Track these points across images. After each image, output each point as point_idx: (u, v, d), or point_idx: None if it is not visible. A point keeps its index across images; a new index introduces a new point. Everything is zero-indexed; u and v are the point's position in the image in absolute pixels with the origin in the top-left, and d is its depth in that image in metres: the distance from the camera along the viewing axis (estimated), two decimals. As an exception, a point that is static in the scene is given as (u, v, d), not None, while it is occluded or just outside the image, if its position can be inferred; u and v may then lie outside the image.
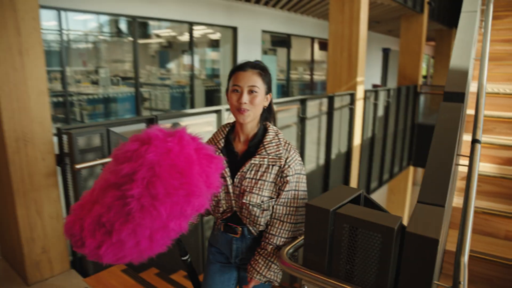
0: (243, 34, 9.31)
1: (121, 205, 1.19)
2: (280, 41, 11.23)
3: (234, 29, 9.18)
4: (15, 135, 2.58)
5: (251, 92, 1.43)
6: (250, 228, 1.50)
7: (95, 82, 7.32)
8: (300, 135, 4.81)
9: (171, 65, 9.49)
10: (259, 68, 1.46)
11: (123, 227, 1.18)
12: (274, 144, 1.46)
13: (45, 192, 2.77)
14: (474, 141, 1.85)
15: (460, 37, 2.42)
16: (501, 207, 2.56)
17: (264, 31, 9.99)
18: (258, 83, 1.44)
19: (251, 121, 1.47)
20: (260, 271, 1.46)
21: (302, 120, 4.77)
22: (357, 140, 6.22)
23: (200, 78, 9.51)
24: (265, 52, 11.09)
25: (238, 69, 1.46)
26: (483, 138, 3.08)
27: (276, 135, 1.49)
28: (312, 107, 5.05)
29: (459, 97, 1.85)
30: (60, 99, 6.19)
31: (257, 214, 1.44)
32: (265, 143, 1.46)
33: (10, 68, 2.49)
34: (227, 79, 1.51)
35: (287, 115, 4.69)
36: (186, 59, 9.00)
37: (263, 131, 1.52)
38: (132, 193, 1.17)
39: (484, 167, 2.88)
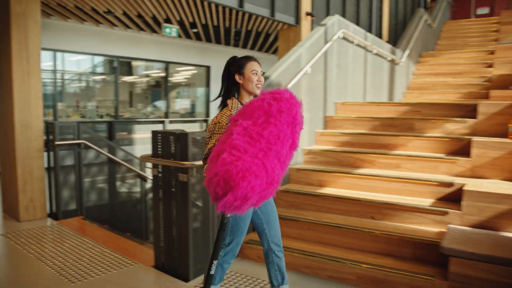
0: (216, 73, 11.74)
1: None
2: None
3: (208, 68, 11.64)
4: (21, 123, 4.82)
5: (262, 74, 2.58)
6: None
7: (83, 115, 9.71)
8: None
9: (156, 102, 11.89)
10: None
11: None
12: None
13: (35, 161, 4.96)
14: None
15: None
16: (319, 167, 4.60)
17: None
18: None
19: None
20: None
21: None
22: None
23: (179, 113, 11.87)
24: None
25: (252, 59, 2.55)
26: (331, 130, 5.18)
27: None
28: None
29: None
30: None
31: None
32: None
33: (21, 82, 4.77)
34: (237, 66, 2.52)
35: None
36: (167, 97, 11.41)
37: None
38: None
39: (326, 146, 4.94)
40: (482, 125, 4.55)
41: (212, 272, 2.43)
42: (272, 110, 2.11)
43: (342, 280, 3.37)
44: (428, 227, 3.61)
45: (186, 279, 3.39)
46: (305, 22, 7.87)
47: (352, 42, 6.06)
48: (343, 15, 9.05)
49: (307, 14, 7.84)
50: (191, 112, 12.33)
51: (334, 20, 5.56)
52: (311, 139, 5.12)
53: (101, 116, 9.73)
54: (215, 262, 2.41)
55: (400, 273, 3.17)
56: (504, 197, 3.34)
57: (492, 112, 4.49)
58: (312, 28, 7.93)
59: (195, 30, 9.89)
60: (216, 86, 11.93)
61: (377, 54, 7.09)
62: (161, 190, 3.51)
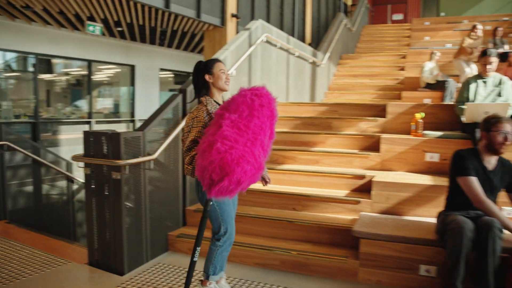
0: (140, 72, 11.78)
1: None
2: (183, 80, 13.82)
3: (132, 67, 11.65)
4: None
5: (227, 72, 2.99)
6: None
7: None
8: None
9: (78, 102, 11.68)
10: None
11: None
12: None
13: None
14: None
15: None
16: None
17: (162, 69, 12.55)
18: None
19: None
20: None
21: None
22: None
23: (102, 113, 11.76)
24: (170, 90, 13.59)
25: (218, 61, 2.93)
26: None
27: None
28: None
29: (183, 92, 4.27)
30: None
31: None
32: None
33: None
34: (204, 68, 2.88)
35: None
36: (90, 96, 11.27)
37: None
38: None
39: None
40: (390, 123, 5.18)
41: (195, 259, 2.73)
42: (255, 104, 2.48)
43: (267, 266, 3.76)
44: (343, 215, 4.10)
45: (121, 273, 3.60)
46: (231, 23, 8.23)
47: (275, 46, 6.51)
48: (267, 17, 9.53)
49: (233, 15, 8.19)
50: (115, 112, 12.26)
51: (258, 24, 5.97)
52: (237, 137, 5.47)
53: (18, 116, 9.48)
54: (198, 249, 2.72)
55: (319, 256, 3.62)
56: (405, 186, 3.92)
57: (399, 112, 5.13)
58: (237, 29, 8.31)
59: (119, 29, 9.91)
60: (141, 85, 11.97)
61: (299, 57, 7.61)
62: (94, 189, 3.69)
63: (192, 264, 2.72)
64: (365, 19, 16.24)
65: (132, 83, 11.82)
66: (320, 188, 4.52)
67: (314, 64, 8.55)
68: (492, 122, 3.09)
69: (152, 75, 12.25)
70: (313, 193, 4.29)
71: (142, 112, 11.91)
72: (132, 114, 11.93)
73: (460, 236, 2.90)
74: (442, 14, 18.20)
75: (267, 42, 6.24)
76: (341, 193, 4.33)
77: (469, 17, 14.21)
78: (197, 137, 2.70)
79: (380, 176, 4.19)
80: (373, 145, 4.91)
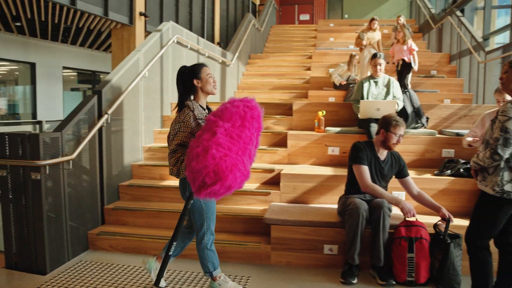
0: (42, 70, 11.49)
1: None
2: (87, 79, 13.64)
3: (32, 65, 11.33)
4: None
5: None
6: None
7: None
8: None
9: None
10: None
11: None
12: None
13: None
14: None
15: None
16: (160, 163, 5.31)
17: (65, 68, 12.32)
18: None
19: None
20: None
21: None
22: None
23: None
24: (72, 89, 13.34)
25: (205, 65, 3.13)
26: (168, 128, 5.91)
27: None
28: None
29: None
30: None
31: None
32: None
33: None
34: (190, 72, 3.09)
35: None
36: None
37: None
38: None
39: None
40: (296, 121, 5.80)
41: (170, 253, 3.00)
42: (247, 116, 2.74)
43: (186, 256, 4.09)
44: (255, 206, 4.60)
45: (43, 273, 3.77)
46: (139, 22, 8.45)
47: (186, 46, 6.89)
48: (176, 16, 9.85)
49: (141, 14, 8.41)
50: (13, 113, 11.81)
51: (169, 25, 6.31)
52: (150, 137, 5.79)
53: None
54: (174, 243, 2.99)
55: (235, 244, 4.07)
56: (310, 177, 4.52)
57: (304, 110, 5.76)
58: (146, 28, 8.54)
59: (18, 24, 9.67)
60: (43, 84, 11.65)
61: (209, 57, 8.04)
62: (10, 191, 3.82)
63: (167, 257, 3.02)
64: (273, 19, 17.07)
65: (33, 82, 11.49)
66: (233, 182, 4.98)
67: (223, 64, 9.02)
68: (392, 124, 3.71)
69: (54, 73, 11.98)
70: (227, 187, 4.74)
71: (46, 113, 11.59)
72: (34, 115, 11.57)
73: (357, 215, 3.53)
74: (346, 16, 19.62)
75: (178, 43, 6.60)
76: (253, 186, 4.83)
77: (368, 20, 15.50)
78: (183, 141, 2.94)
79: (287, 169, 4.75)
80: (281, 141, 5.48)
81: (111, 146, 4.72)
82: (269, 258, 4.00)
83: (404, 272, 3.48)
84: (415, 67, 7.90)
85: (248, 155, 2.74)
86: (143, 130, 5.53)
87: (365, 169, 3.73)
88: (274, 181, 4.84)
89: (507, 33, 8.92)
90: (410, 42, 7.92)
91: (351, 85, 8.13)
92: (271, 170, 4.90)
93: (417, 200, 3.83)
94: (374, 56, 5.32)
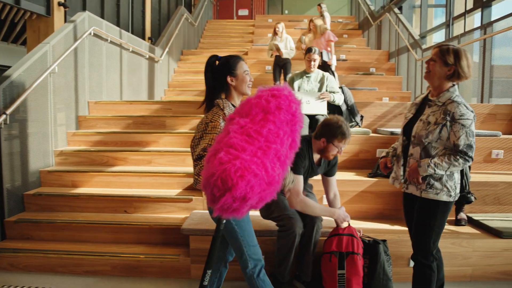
0: None
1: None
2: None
3: None
4: None
5: None
6: None
7: None
8: None
9: None
10: None
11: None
12: None
13: None
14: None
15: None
16: (72, 168, 4.98)
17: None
18: None
19: None
20: None
21: None
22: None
23: None
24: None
25: (241, 59, 2.73)
26: (84, 130, 5.59)
27: None
28: None
29: None
30: None
31: None
32: None
33: None
34: (225, 67, 2.69)
35: None
36: None
37: None
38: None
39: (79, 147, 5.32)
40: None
41: (205, 283, 2.47)
42: (270, 107, 2.20)
43: (98, 273, 3.86)
44: (176, 214, 4.38)
45: None
46: (58, 12, 8.00)
47: (106, 40, 6.55)
48: (102, 8, 9.45)
49: (60, 4, 7.98)
50: None
51: (85, 16, 5.96)
52: (62, 140, 5.44)
53: None
54: (208, 272, 2.47)
55: (151, 257, 3.84)
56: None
57: (232, 109, 5.58)
58: (66, 20, 8.09)
59: None
60: None
61: (134, 52, 7.73)
62: None
63: None
64: (209, 13, 16.87)
65: None
66: (152, 188, 4.75)
67: (152, 60, 8.72)
68: (337, 137, 3.28)
69: None
70: (145, 194, 4.51)
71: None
72: None
73: (293, 235, 3.34)
74: (286, 12, 19.70)
75: (96, 35, 6.26)
76: (174, 192, 4.61)
77: (308, 16, 15.63)
78: (209, 145, 2.54)
79: (211, 173, 4.56)
80: (206, 143, 5.28)
81: (13, 151, 4.36)
82: (189, 272, 3.80)
83: (335, 287, 3.37)
84: (331, 61, 7.60)
85: (276, 156, 2.14)
86: (54, 132, 5.17)
87: (300, 180, 3.41)
88: (197, 187, 4.65)
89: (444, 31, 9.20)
90: (329, 32, 7.76)
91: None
92: (194, 175, 4.70)
93: (329, 203, 3.71)
94: (309, 51, 5.23)
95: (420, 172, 2.77)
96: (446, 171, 2.73)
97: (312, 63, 5.22)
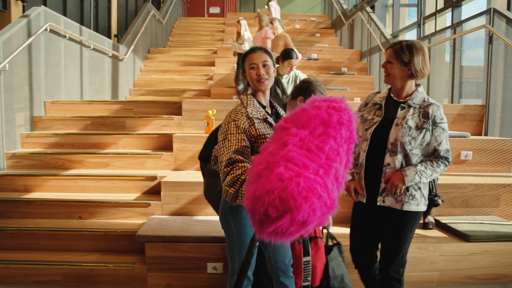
0: None
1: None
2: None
3: None
4: None
5: (264, 65, 2.49)
6: None
7: None
8: None
9: None
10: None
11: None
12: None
13: None
14: None
15: None
16: (25, 172, 4.80)
17: None
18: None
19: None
20: None
21: None
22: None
23: None
24: None
25: (252, 51, 2.51)
26: (39, 131, 5.41)
27: None
28: None
29: None
30: None
31: None
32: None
33: None
34: (242, 61, 2.56)
35: None
36: None
37: None
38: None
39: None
40: (186, 121, 5.50)
41: None
42: (332, 120, 2.02)
43: (48, 283, 3.72)
44: (133, 220, 4.26)
45: None
46: (15, 7, 7.73)
47: (64, 36, 6.35)
48: (64, 3, 9.19)
49: (17, -2, 7.76)
50: None
51: (40, 11, 5.76)
52: (15, 142, 5.24)
53: None
54: None
55: (105, 266, 3.72)
56: (195, 184, 4.23)
57: (195, 109, 5.48)
58: (25, 15, 7.87)
59: None
60: None
61: (96, 50, 7.54)
62: None
63: None
64: (179, 10, 16.70)
65: None
66: (109, 193, 4.61)
67: (116, 58, 8.54)
68: (316, 94, 3.09)
69: None
70: (102, 199, 4.38)
71: None
72: None
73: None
74: (258, 10, 19.59)
75: (53, 32, 6.07)
76: (132, 196, 4.48)
77: (281, 15, 15.63)
78: (240, 147, 2.35)
79: (170, 176, 4.44)
80: (167, 144, 5.15)
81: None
82: (145, 281, 3.68)
83: (300, 278, 3.19)
84: None
85: (334, 177, 1.97)
86: (6, 134, 4.98)
87: None
88: (156, 190, 4.51)
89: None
90: (266, 29, 7.58)
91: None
92: (153, 178, 4.58)
93: None
94: (290, 57, 5.02)
95: (407, 182, 2.60)
96: (428, 178, 2.65)
97: (289, 68, 5.04)
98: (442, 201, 4.04)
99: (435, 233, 3.96)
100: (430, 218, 4.12)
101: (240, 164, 2.31)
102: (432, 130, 2.62)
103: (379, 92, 2.91)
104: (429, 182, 3.92)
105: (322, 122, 2.00)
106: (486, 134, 5.57)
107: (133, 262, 3.74)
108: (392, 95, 2.77)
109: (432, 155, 2.65)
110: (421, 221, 4.11)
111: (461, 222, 4.04)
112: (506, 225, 4.02)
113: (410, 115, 2.64)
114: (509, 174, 4.91)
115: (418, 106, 2.66)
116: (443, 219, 4.13)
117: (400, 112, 2.67)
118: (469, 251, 3.71)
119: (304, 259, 3.19)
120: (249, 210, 1.87)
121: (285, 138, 1.96)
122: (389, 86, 2.81)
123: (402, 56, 2.61)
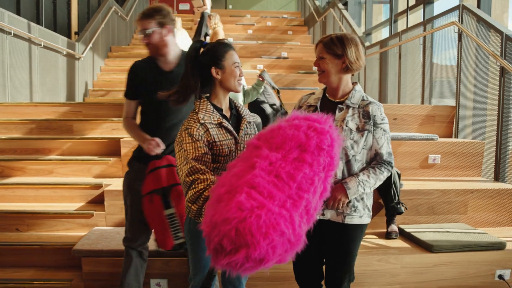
0: None
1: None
2: None
3: None
4: None
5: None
6: None
7: None
8: None
9: None
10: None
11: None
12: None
13: None
14: None
15: None
16: None
17: None
18: None
19: None
20: None
21: None
22: None
23: None
24: None
25: (232, 48, 2.33)
26: None
27: None
28: None
29: None
30: None
31: None
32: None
33: None
34: (213, 56, 2.29)
35: None
36: None
37: None
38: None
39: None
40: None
41: None
42: (310, 144, 1.88)
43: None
44: (74, 232, 4.06)
45: None
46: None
47: (9, 33, 6.11)
48: (18, -1, 8.93)
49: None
50: None
51: (-22, 6, 5.54)
52: None
53: None
54: None
55: (40, 283, 3.53)
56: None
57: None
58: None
59: None
60: None
61: (48, 48, 7.31)
62: None
63: None
64: (145, 6, 16.41)
65: None
66: (51, 202, 4.41)
67: (71, 57, 8.31)
68: None
69: None
70: (41, 209, 4.18)
71: None
72: None
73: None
74: (230, 7, 19.49)
75: (-4, 28, 5.85)
76: (75, 206, 4.29)
77: (252, 11, 15.55)
78: (199, 154, 2.18)
79: (115, 184, 4.23)
80: (115, 149, 4.95)
81: None
82: (82, 299, 3.50)
83: (168, 236, 2.82)
84: None
85: (305, 210, 1.82)
86: None
87: None
88: (101, 200, 4.30)
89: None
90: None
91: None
92: (99, 186, 4.38)
93: None
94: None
95: (350, 195, 2.41)
96: (371, 188, 2.48)
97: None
98: (406, 208, 3.95)
99: (398, 243, 3.84)
100: (393, 227, 4.00)
101: (202, 177, 2.14)
102: (373, 132, 2.48)
103: (313, 93, 2.74)
104: (391, 188, 3.85)
105: (299, 145, 1.87)
106: (456, 136, 5.50)
107: (71, 278, 3.55)
108: (327, 95, 2.61)
109: (374, 160, 2.51)
110: (384, 231, 4.01)
111: (426, 231, 3.94)
112: (472, 233, 3.92)
113: (350, 116, 2.48)
114: (479, 178, 4.85)
115: (357, 106, 2.50)
116: (408, 228, 4.02)
117: (338, 114, 2.50)
118: (432, 262, 3.59)
119: (166, 212, 2.82)
120: (205, 235, 1.75)
121: (254, 160, 1.83)
122: (323, 86, 2.65)
123: (334, 49, 2.44)
